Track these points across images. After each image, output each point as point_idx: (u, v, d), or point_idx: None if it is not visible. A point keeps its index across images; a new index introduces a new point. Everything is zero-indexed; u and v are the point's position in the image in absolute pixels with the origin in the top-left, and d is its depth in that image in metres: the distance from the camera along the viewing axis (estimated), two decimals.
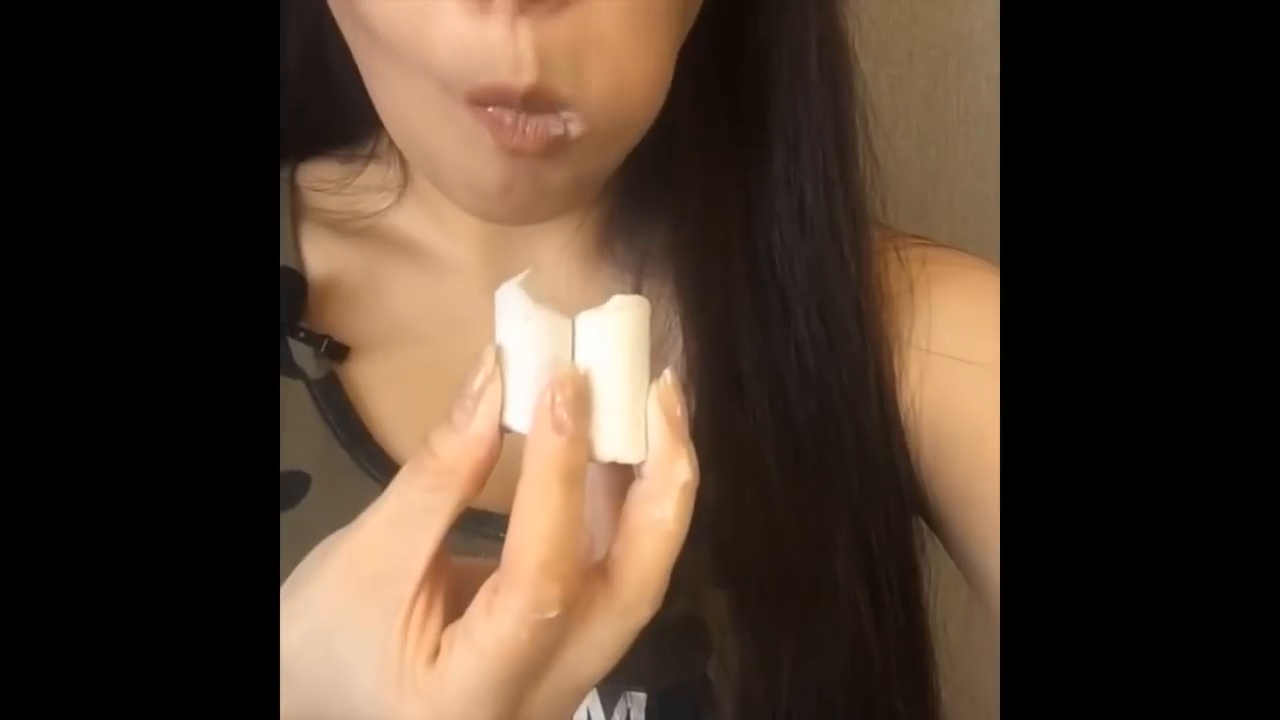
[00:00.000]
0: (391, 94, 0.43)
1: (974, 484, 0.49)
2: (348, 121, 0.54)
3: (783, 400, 0.50)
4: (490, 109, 0.40)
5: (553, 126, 0.41)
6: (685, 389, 0.50)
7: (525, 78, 0.39)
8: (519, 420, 0.35)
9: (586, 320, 0.36)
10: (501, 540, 0.47)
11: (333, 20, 0.45)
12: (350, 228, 0.54)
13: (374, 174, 0.54)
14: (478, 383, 0.35)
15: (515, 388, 0.35)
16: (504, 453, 0.37)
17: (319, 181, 0.55)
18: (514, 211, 0.44)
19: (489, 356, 0.35)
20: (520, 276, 0.36)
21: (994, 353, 0.48)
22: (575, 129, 0.41)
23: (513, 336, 0.35)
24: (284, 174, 0.55)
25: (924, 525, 0.53)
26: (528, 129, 0.40)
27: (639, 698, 0.47)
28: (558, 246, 0.53)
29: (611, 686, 0.46)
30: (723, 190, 0.51)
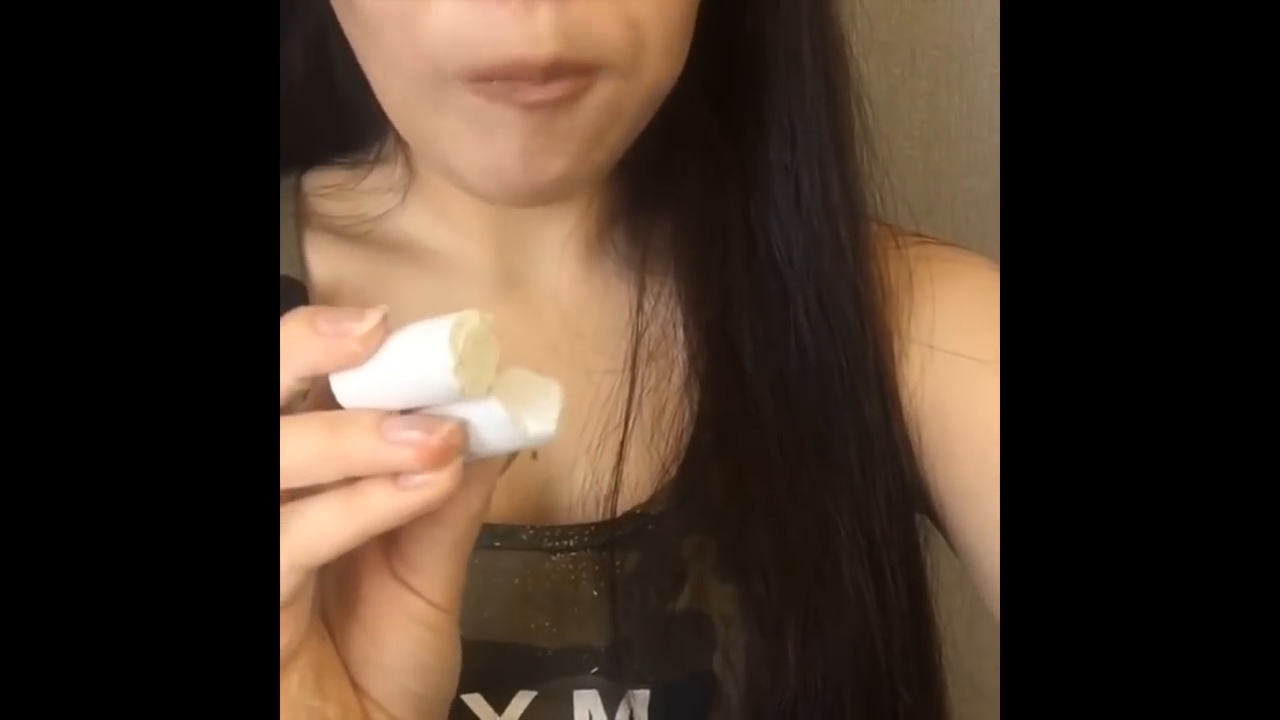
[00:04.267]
0: (393, 87, 0.43)
1: (976, 480, 0.49)
2: (353, 128, 0.54)
3: (784, 389, 0.50)
4: (495, 84, 0.41)
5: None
6: (688, 383, 0.50)
7: (545, 50, 0.39)
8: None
9: None
10: (497, 549, 0.48)
11: (337, 26, 0.46)
12: (355, 232, 0.53)
13: (379, 177, 0.54)
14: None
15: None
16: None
17: (324, 187, 0.55)
18: (531, 182, 0.44)
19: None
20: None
21: (997, 350, 0.48)
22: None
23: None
24: (290, 181, 0.55)
25: (927, 520, 0.53)
26: (548, 86, 0.41)
27: (642, 695, 0.46)
28: (560, 239, 0.53)
29: (614, 685, 0.46)
30: (721, 179, 0.51)
